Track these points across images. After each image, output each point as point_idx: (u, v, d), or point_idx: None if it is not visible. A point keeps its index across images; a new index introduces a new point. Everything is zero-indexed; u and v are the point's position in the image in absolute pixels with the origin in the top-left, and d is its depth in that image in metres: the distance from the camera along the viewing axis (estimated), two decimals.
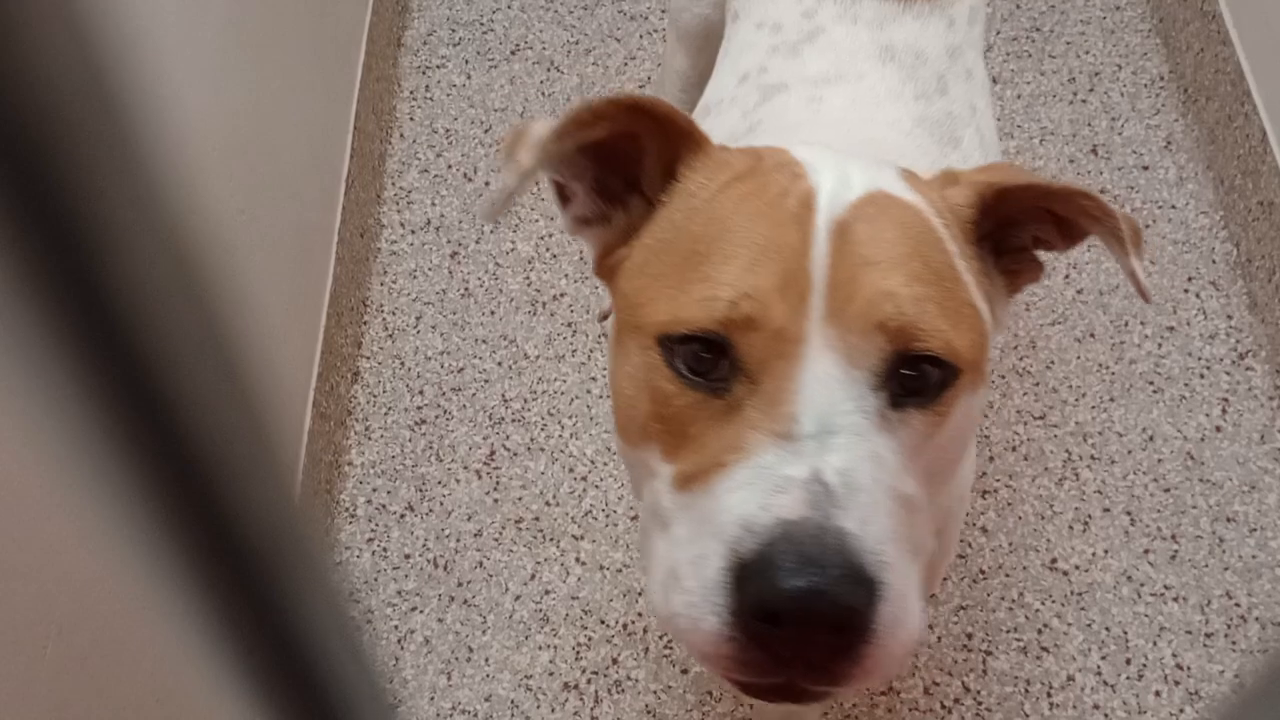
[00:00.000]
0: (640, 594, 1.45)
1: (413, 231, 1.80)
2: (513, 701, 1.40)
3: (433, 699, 1.39)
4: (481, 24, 2.04)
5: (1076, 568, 1.47)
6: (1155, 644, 1.42)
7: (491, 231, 1.79)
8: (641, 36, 2.01)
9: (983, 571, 1.47)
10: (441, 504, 1.55)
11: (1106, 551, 1.48)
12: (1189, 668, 1.40)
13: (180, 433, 0.19)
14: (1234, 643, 1.41)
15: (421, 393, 1.64)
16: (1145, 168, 1.83)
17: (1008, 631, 1.43)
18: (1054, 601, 1.45)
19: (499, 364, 1.66)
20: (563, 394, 1.63)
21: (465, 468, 1.57)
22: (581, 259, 1.76)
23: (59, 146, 0.15)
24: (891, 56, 1.04)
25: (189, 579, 0.21)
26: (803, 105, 1.02)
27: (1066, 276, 1.71)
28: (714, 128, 1.01)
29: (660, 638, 1.43)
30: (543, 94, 1.94)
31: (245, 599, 0.22)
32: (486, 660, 1.43)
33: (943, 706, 1.38)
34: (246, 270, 1.29)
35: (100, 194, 0.16)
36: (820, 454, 0.61)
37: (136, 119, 0.16)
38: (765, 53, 1.08)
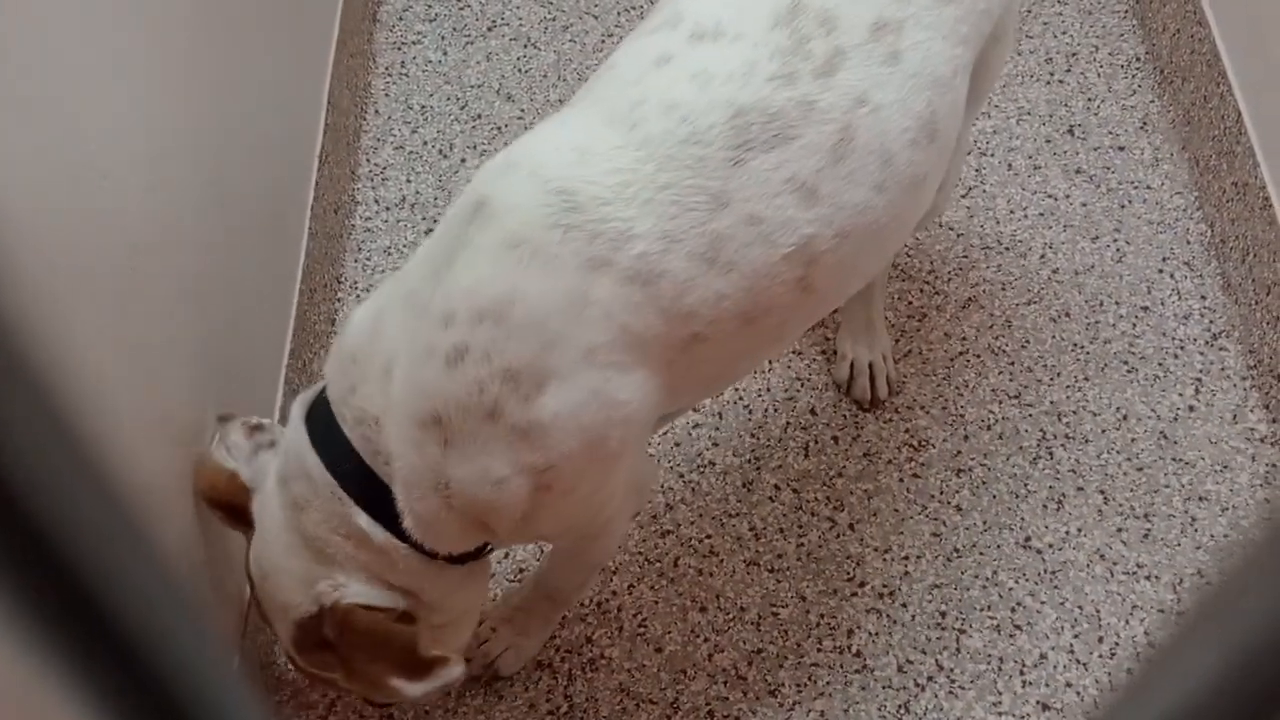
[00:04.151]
0: (614, 572, 1.45)
1: (387, 208, 1.79)
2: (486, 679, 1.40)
3: None
4: (458, 0, 2.03)
5: (1050, 546, 1.47)
6: (1128, 622, 1.42)
7: None
8: (620, 14, 2.00)
9: (957, 550, 1.47)
10: None
11: (1080, 530, 1.49)
12: None
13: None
14: None
15: None
16: (1121, 148, 1.83)
17: (981, 610, 1.43)
18: (1027, 580, 1.45)
19: None
20: None
21: None
22: None
23: None
24: None
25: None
26: None
27: (1042, 256, 1.71)
28: None
29: (634, 616, 1.42)
30: (519, 70, 1.93)
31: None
32: None
33: (916, 684, 1.38)
34: (218, 245, 1.28)
35: None
36: None
37: None
38: None
